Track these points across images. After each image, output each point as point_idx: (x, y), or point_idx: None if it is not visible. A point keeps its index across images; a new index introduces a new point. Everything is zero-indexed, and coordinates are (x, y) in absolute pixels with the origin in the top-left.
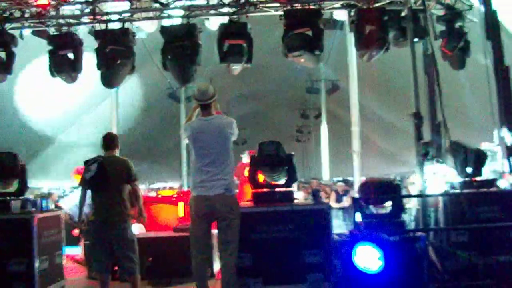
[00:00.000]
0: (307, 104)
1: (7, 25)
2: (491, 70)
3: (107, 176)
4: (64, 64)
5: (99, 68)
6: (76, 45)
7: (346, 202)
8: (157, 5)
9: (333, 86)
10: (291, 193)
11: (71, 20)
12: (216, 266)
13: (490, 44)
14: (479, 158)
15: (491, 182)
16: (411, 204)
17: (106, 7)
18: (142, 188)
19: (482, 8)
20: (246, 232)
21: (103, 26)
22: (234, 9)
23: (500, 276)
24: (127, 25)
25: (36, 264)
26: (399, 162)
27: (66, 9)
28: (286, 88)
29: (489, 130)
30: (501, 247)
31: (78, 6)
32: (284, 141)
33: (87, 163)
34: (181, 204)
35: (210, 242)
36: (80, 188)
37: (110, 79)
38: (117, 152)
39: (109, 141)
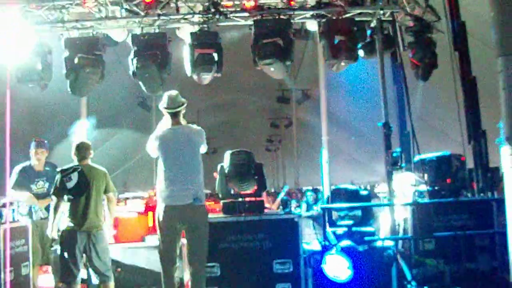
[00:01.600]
0: (278, 114)
1: None
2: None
3: (89, 185)
4: (32, 73)
5: (67, 77)
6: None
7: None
8: (127, 13)
9: (304, 96)
10: (260, 202)
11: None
12: (186, 276)
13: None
14: (445, 166)
15: (459, 191)
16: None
17: (76, 15)
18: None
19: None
20: (215, 242)
21: (72, 34)
22: (204, 18)
23: (467, 283)
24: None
25: (1, 276)
26: (369, 171)
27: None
28: (256, 97)
29: (458, 140)
30: (468, 255)
31: (46, 12)
32: (254, 151)
33: (65, 171)
34: (150, 214)
35: (179, 252)
36: (53, 197)
37: (78, 87)
38: (90, 161)
39: (84, 149)
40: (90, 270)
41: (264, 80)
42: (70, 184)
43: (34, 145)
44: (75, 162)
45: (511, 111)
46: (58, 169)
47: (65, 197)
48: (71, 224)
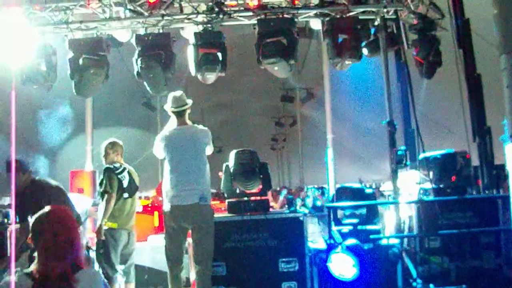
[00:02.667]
0: (282, 112)
1: None
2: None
3: (136, 185)
4: (36, 74)
5: (72, 78)
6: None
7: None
8: (131, 14)
9: (308, 94)
10: (266, 201)
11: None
12: (192, 275)
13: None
14: (450, 164)
15: (464, 189)
16: (406, 212)
17: (80, 16)
18: None
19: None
20: (220, 241)
21: (76, 35)
22: (208, 18)
23: (473, 281)
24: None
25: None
26: (374, 169)
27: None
28: (260, 96)
29: (463, 137)
30: (473, 252)
31: (50, 14)
32: (259, 150)
33: (115, 170)
34: (156, 214)
35: (185, 252)
36: (106, 195)
37: (83, 88)
38: None
39: (121, 149)
40: (118, 267)
41: (268, 79)
42: (125, 183)
43: None
44: (115, 161)
45: None
46: (107, 166)
47: (124, 195)
48: (119, 222)
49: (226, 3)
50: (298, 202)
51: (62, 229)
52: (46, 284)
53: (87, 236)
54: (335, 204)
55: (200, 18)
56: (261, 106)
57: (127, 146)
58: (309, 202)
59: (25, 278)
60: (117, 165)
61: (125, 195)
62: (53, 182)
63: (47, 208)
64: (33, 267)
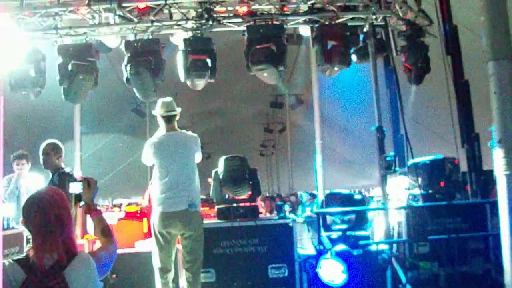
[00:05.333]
0: (272, 119)
1: None
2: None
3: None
4: (25, 80)
5: (61, 84)
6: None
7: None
8: (121, 20)
9: (297, 101)
10: (255, 207)
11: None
12: (181, 281)
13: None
14: (439, 170)
15: (452, 194)
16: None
17: (69, 21)
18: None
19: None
20: (210, 247)
21: (66, 41)
22: (197, 24)
23: (462, 286)
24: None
25: None
26: (364, 175)
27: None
28: (250, 103)
29: (452, 143)
30: (462, 258)
31: (40, 19)
32: (248, 156)
33: (71, 177)
34: (145, 220)
35: (174, 258)
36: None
37: (72, 94)
38: None
39: (62, 151)
40: None
41: (258, 85)
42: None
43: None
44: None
45: (502, 114)
46: (69, 172)
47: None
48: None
49: (215, 9)
50: (287, 207)
51: (51, 208)
52: (39, 275)
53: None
54: (324, 210)
55: (190, 24)
56: (250, 113)
57: (116, 152)
58: (307, 211)
59: (17, 266)
60: (68, 172)
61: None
62: None
63: (38, 189)
64: (26, 253)
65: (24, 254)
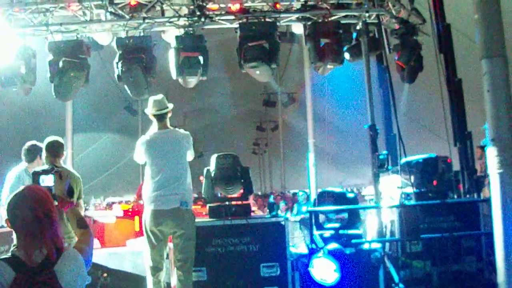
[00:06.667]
0: (264, 117)
1: None
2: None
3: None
4: (16, 76)
5: (51, 81)
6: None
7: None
8: (112, 16)
9: (290, 99)
10: (247, 206)
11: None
12: (173, 280)
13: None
14: (431, 169)
15: (445, 193)
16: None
17: (60, 18)
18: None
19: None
20: (201, 246)
21: (57, 38)
22: (189, 22)
23: (455, 285)
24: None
25: None
26: (356, 173)
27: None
28: (242, 101)
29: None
30: (455, 256)
31: (30, 15)
32: (241, 154)
33: (36, 174)
34: (137, 218)
35: (166, 257)
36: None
37: (63, 91)
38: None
39: (58, 148)
40: None
41: (250, 83)
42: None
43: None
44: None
45: (495, 113)
46: (30, 171)
47: None
48: None
49: (208, 6)
50: (282, 205)
51: (38, 205)
52: (28, 273)
53: None
54: (317, 208)
55: (182, 21)
56: (243, 111)
57: (108, 150)
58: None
59: (5, 265)
60: (40, 168)
61: None
62: None
63: (21, 188)
64: (13, 252)
65: (10, 253)
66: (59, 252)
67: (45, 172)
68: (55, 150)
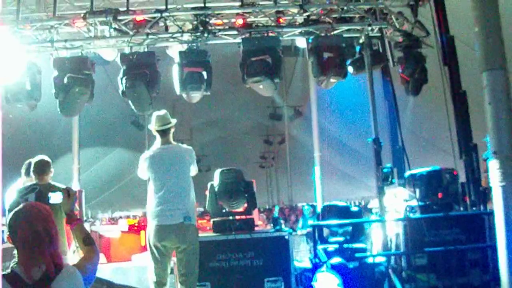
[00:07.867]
0: (271, 131)
1: None
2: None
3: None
4: (21, 93)
5: (56, 97)
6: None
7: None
8: (116, 33)
9: (296, 113)
10: (251, 220)
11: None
12: None
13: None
14: (436, 181)
15: (450, 205)
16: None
17: (65, 34)
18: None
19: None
20: (205, 260)
21: (61, 54)
22: (193, 37)
23: None
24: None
25: None
26: (362, 186)
27: (24, 35)
28: (249, 114)
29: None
30: (460, 269)
31: (35, 32)
32: (247, 167)
33: (20, 192)
34: (142, 233)
35: (170, 271)
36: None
37: (68, 107)
38: (51, 179)
39: (42, 166)
40: None
41: (256, 97)
42: None
43: None
44: (33, 181)
45: (497, 125)
46: (15, 189)
47: None
48: None
49: (211, 22)
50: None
51: (38, 220)
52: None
53: None
54: (320, 222)
55: (185, 37)
56: (250, 124)
57: (115, 165)
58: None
59: (4, 282)
60: (25, 186)
61: None
62: None
63: (21, 205)
64: (13, 268)
65: (10, 269)
66: (58, 268)
67: (28, 190)
68: (40, 168)
